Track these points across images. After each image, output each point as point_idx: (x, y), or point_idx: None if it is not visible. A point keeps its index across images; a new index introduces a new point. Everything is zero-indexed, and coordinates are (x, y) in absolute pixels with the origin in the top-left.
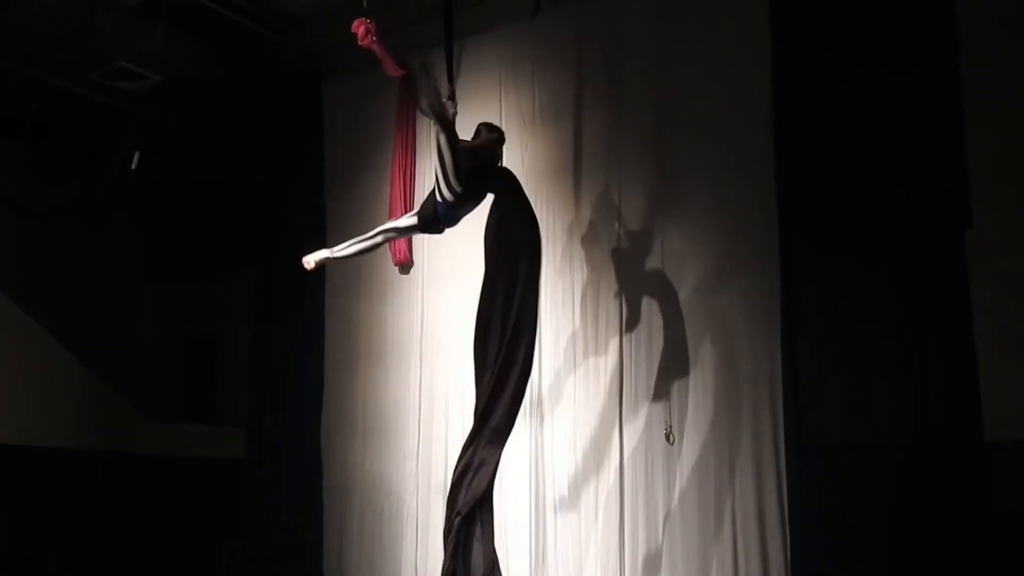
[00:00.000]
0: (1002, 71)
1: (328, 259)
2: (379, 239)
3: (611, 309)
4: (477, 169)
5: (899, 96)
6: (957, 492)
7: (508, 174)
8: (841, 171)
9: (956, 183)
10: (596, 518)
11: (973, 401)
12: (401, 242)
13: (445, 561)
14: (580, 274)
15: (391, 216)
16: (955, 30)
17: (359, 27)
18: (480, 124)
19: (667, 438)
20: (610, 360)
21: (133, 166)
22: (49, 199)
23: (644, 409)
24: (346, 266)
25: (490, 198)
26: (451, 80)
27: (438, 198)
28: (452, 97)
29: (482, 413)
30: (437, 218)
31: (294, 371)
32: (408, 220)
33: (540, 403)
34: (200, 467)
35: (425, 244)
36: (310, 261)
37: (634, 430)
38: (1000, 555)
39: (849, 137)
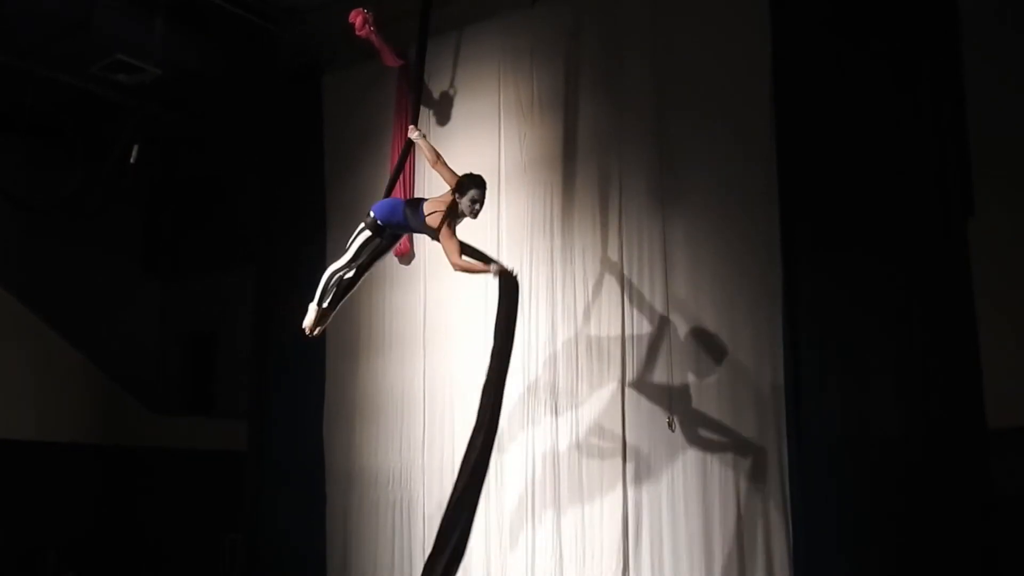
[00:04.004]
0: (1004, 60)
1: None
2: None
3: (613, 298)
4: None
5: (901, 84)
6: (959, 479)
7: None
8: (842, 159)
9: (958, 173)
10: (599, 509)
11: (975, 389)
12: None
13: None
14: (581, 264)
15: None
16: (956, 19)
17: (356, 17)
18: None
19: (669, 426)
20: (613, 349)
21: (132, 159)
22: (49, 193)
23: (647, 399)
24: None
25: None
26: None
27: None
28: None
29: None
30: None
31: (295, 363)
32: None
33: (540, 393)
34: (201, 459)
35: None
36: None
37: (637, 420)
38: (1001, 542)
39: (850, 125)
